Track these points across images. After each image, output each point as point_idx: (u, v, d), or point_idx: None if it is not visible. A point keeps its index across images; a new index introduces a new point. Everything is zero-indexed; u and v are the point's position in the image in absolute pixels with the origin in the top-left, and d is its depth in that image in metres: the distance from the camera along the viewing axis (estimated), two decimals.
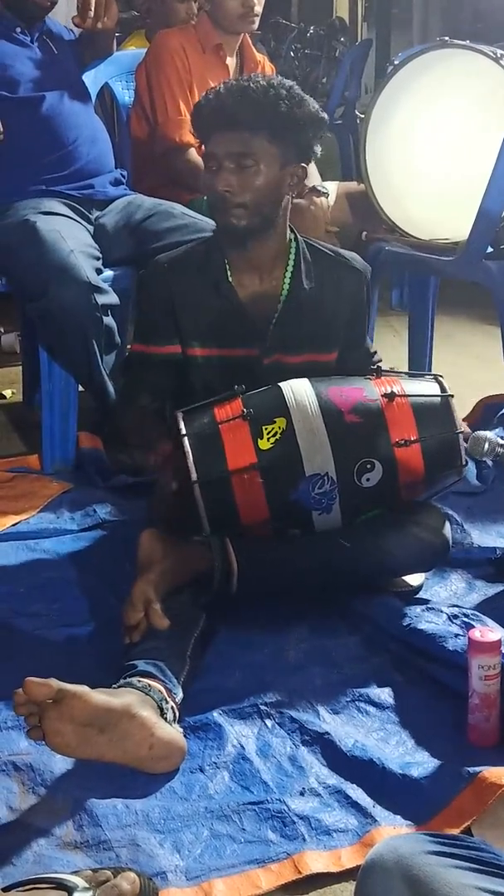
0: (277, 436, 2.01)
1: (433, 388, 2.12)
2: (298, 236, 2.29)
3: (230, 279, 2.24)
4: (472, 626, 1.90)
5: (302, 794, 1.64)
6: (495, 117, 2.84)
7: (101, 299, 2.60)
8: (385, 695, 1.88)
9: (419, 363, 3.24)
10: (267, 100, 2.13)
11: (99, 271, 2.68)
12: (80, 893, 1.32)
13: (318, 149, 2.25)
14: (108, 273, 2.77)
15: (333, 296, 2.29)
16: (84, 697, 1.60)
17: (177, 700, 1.75)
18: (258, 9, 3.29)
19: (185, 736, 1.71)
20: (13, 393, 3.45)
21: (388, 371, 2.17)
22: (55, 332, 2.66)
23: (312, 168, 2.82)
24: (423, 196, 3.00)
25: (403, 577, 2.17)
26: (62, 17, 3.28)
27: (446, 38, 2.94)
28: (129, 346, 2.57)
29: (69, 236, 2.67)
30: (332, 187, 3.21)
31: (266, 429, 2.02)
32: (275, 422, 2.02)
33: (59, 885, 1.33)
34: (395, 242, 3.05)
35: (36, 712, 1.59)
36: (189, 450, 1.98)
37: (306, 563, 2.06)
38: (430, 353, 3.31)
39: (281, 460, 2.00)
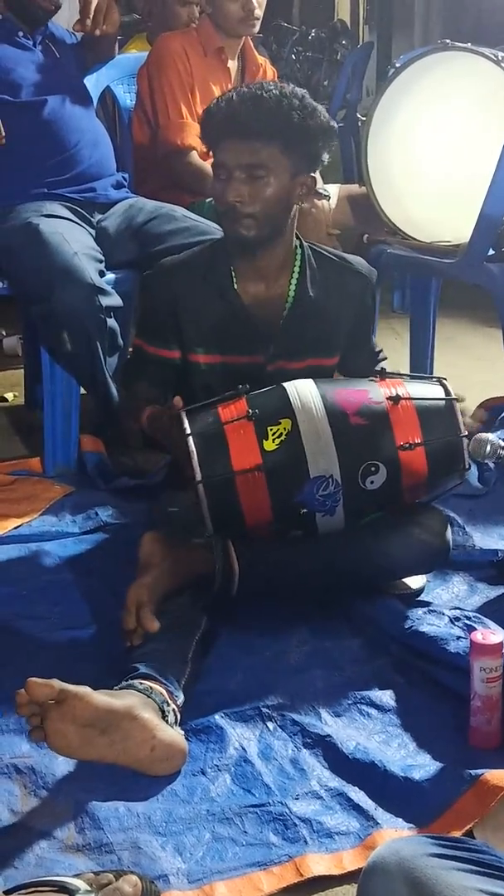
0: (283, 437, 2.01)
1: (437, 392, 2.12)
2: (304, 242, 2.28)
3: (235, 286, 2.24)
4: (474, 629, 1.89)
5: (297, 797, 1.64)
6: (496, 119, 2.84)
7: (105, 301, 2.61)
8: (387, 697, 1.88)
9: (421, 365, 3.24)
10: (280, 110, 2.11)
11: (102, 274, 2.69)
12: None
13: (326, 157, 2.24)
14: (110, 276, 2.77)
15: (339, 301, 2.28)
16: (86, 698, 1.60)
17: (178, 703, 1.75)
18: (259, 12, 3.29)
19: (186, 738, 1.71)
20: (15, 396, 3.45)
21: (392, 373, 2.17)
22: (59, 335, 2.66)
23: None
24: (424, 198, 3.00)
25: (405, 580, 2.17)
26: (64, 20, 3.29)
27: (447, 40, 2.94)
28: (130, 349, 2.58)
29: (72, 239, 2.67)
30: (333, 190, 3.21)
31: (271, 430, 2.01)
32: (280, 423, 2.02)
33: (61, 888, 1.33)
34: (397, 245, 3.05)
35: (38, 713, 1.59)
36: (194, 449, 1.98)
37: (307, 565, 2.06)
38: (431, 356, 3.31)
39: (286, 462, 2.00)
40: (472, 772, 1.64)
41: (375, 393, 2.08)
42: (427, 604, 2.13)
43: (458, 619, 2.02)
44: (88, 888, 1.33)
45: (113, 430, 2.82)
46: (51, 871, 1.46)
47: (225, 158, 2.15)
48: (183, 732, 1.72)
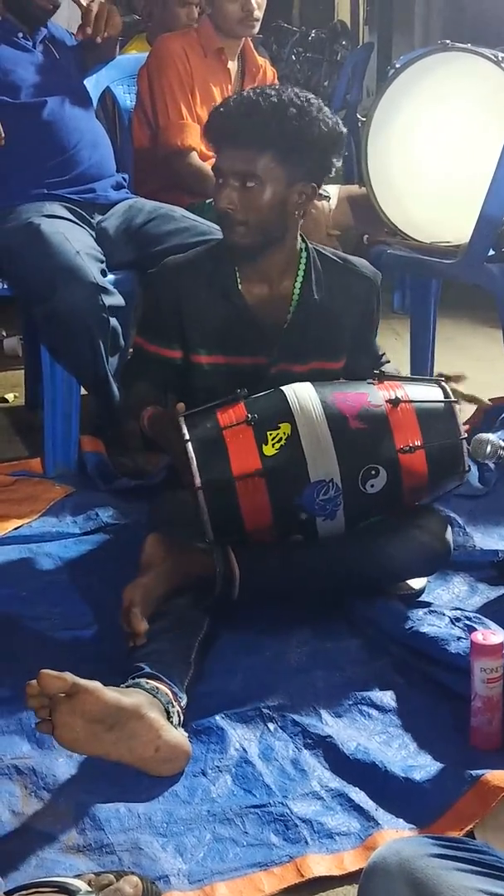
0: (282, 441, 2.00)
1: (436, 394, 2.11)
2: (309, 245, 2.27)
3: (239, 286, 2.23)
4: (475, 629, 1.89)
5: (298, 798, 1.64)
6: (496, 119, 2.84)
7: (108, 300, 2.61)
8: (387, 698, 1.88)
9: (421, 366, 3.24)
10: (274, 118, 2.08)
11: (103, 273, 2.68)
12: None
13: (337, 163, 2.20)
14: (111, 277, 2.77)
15: (343, 304, 2.27)
16: (96, 693, 1.60)
17: (182, 704, 1.75)
18: (258, 13, 3.29)
19: (188, 739, 1.72)
20: (15, 396, 3.45)
21: (390, 375, 2.17)
22: (62, 334, 2.66)
23: None
24: (424, 199, 3.00)
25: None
26: (63, 20, 3.29)
27: (447, 41, 2.94)
28: (130, 350, 2.58)
29: (73, 238, 2.67)
30: (333, 190, 3.21)
31: (271, 434, 2.00)
32: (279, 427, 2.01)
33: (62, 888, 1.33)
34: (397, 245, 3.05)
35: (47, 705, 1.59)
36: (193, 455, 1.97)
37: (308, 569, 2.05)
38: (431, 356, 3.31)
39: (286, 466, 1.99)
40: (473, 772, 1.64)
41: (374, 396, 2.07)
42: (428, 604, 2.13)
43: (458, 619, 2.02)
44: (89, 889, 1.33)
45: (113, 431, 2.82)
46: (51, 872, 1.47)
47: (221, 164, 2.15)
48: (186, 734, 1.72)
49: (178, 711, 1.72)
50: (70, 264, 2.59)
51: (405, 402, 2.06)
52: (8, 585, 2.22)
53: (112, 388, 2.70)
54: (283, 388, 2.09)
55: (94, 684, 1.61)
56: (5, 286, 2.84)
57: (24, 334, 3.40)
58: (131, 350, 2.53)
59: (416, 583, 2.17)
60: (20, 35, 2.91)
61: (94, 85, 3.22)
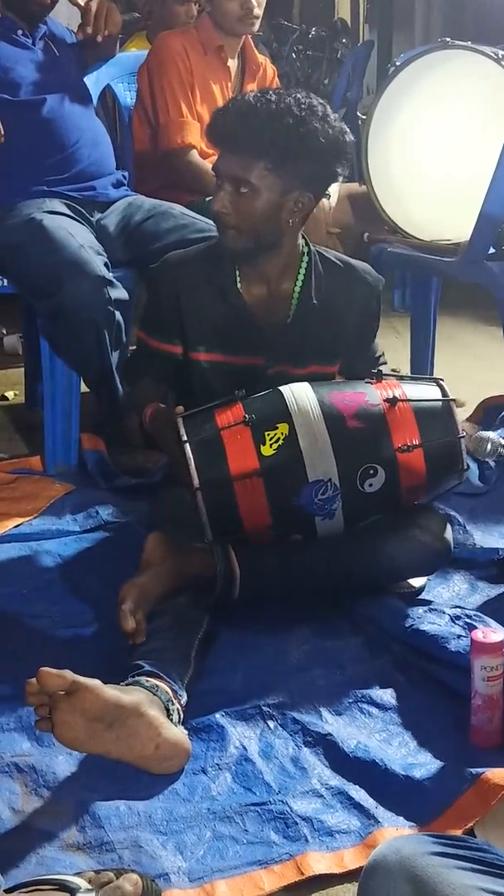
0: (280, 441, 2.00)
1: (434, 392, 2.11)
2: (312, 248, 2.26)
3: (238, 286, 2.22)
4: (475, 628, 1.90)
5: (298, 796, 1.64)
6: (496, 118, 2.84)
7: (113, 294, 2.60)
8: (388, 696, 1.88)
9: (421, 364, 3.24)
10: (270, 126, 2.05)
11: (107, 267, 2.68)
12: (83, 895, 1.32)
13: (343, 172, 2.15)
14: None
15: (344, 309, 2.26)
16: (96, 691, 1.60)
17: (182, 702, 1.75)
18: (258, 11, 3.29)
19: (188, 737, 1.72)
20: (15, 394, 3.45)
21: (388, 374, 2.16)
22: (68, 329, 2.65)
23: None
24: (424, 197, 3.00)
25: None
26: (63, 17, 3.28)
27: (448, 39, 2.94)
28: (131, 348, 2.57)
29: (76, 233, 2.67)
30: (333, 189, 3.20)
31: (268, 434, 2.00)
32: (277, 427, 2.01)
33: (62, 886, 1.33)
34: (397, 244, 3.05)
35: (47, 703, 1.59)
36: (191, 456, 1.97)
37: (308, 569, 2.05)
38: (432, 355, 3.31)
39: (284, 466, 1.99)
40: (473, 770, 1.64)
41: (372, 395, 2.07)
42: (428, 602, 2.13)
43: (458, 617, 2.02)
44: (89, 887, 1.33)
45: (114, 427, 2.82)
46: (51, 870, 1.47)
47: (218, 166, 2.14)
48: (186, 732, 1.72)
49: (177, 709, 1.72)
50: (75, 258, 2.58)
51: (403, 401, 2.06)
52: (8, 583, 2.22)
53: (116, 382, 2.70)
54: (280, 388, 2.08)
55: (94, 682, 1.61)
56: (6, 283, 2.84)
57: (24, 332, 3.39)
58: (132, 347, 2.53)
59: (416, 581, 2.17)
60: (20, 32, 2.90)
61: (94, 82, 3.21)
